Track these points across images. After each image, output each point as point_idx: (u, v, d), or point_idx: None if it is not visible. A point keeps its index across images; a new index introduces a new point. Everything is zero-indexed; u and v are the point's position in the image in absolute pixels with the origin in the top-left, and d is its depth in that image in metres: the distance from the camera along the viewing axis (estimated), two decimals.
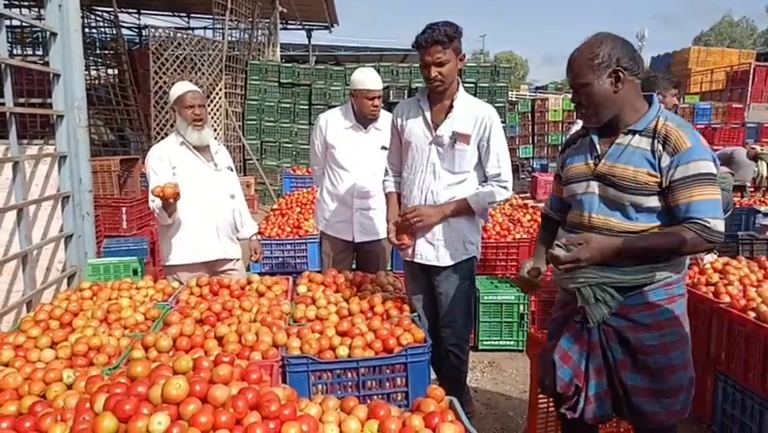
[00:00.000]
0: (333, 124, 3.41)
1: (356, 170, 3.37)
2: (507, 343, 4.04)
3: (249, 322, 2.33)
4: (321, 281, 2.91)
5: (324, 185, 3.50)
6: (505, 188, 2.67)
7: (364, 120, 3.36)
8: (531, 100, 16.16)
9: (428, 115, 2.64)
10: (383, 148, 3.22)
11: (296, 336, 2.19)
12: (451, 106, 2.62)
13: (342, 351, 2.14)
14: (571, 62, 1.79)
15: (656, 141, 1.71)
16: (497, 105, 10.55)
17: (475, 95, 10.66)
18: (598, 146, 1.84)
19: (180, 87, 3.12)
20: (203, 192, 3.05)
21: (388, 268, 3.95)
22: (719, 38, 43.77)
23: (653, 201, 1.73)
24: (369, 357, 2.11)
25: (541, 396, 2.49)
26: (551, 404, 2.44)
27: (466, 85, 10.24)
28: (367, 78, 3.25)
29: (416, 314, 2.57)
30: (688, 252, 1.73)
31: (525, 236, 4.80)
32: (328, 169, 3.48)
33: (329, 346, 2.16)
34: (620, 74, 1.72)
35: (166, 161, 3.04)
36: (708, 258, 3.37)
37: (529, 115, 15.07)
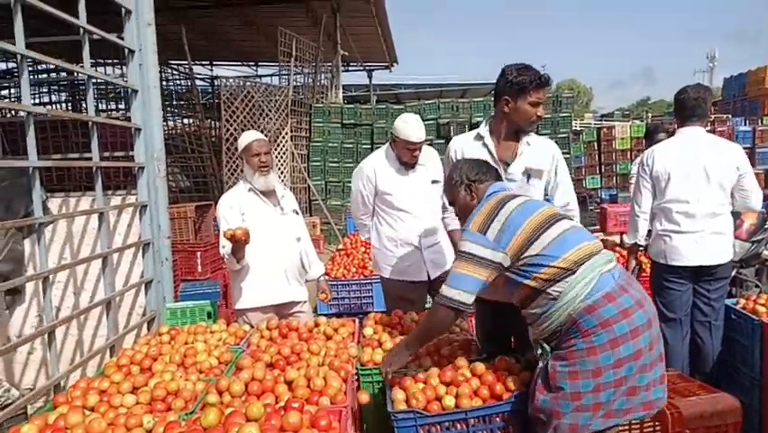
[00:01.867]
0: (382, 170, 3.41)
1: (416, 210, 3.38)
2: None
3: (317, 366, 2.34)
4: (387, 323, 2.91)
5: (383, 232, 3.47)
6: (573, 217, 2.70)
7: (406, 162, 3.38)
8: (596, 128, 15.76)
9: (495, 151, 2.67)
10: (433, 182, 3.36)
11: (399, 388, 2.20)
12: (520, 143, 2.67)
13: (449, 401, 2.12)
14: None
15: None
16: (560, 135, 10.37)
17: (538, 126, 10.57)
18: None
19: (247, 137, 3.26)
20: (271, 236, 3.14)
21: None
22: None
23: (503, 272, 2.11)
24: (478, 407, 2.09)
25: None
26: None
27: None
28: (410, 130, 3.24)
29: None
30: (434, 327, 2.20)
31: None
32: (383, 215, 3.46)
33: (435, 396, 2.15)
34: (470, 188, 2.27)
35: (235, 208, 3.17)
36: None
37: (595, 144, 14.67)
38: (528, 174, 2.65)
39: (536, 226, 1.99)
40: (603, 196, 13.89)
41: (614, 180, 14.21)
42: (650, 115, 27.88)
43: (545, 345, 2.07)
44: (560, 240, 1.98)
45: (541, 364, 2.07)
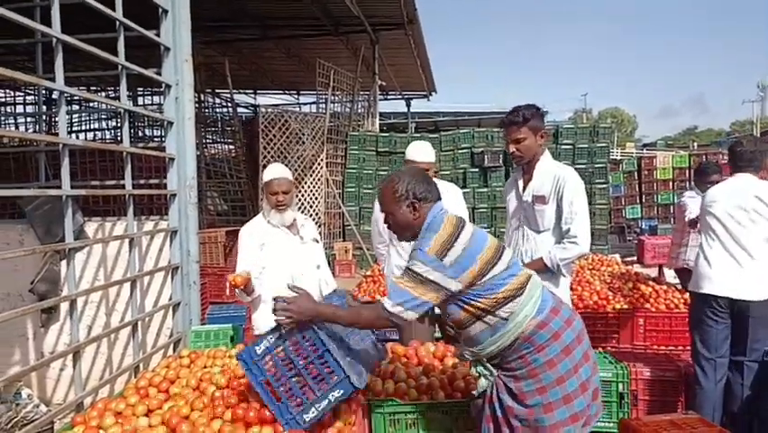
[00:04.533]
0: None
1: None
2: (606, 425, 3.73)
3: None
4: (403, 353, 2.92)
5: (392, 261, 3.51)
6: (574, 243, 2.86)
7: None
8: (637, 158, 15.45)
9: (520, 183, 3.07)
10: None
11: None
12: (533, 172, 3.00)
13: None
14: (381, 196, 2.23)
15: None
16: (597, 165, 10.23)
17: (573, 156, 10.51)
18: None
19: (270, 173, 3.34)
20: (290, 264, 3.22)
21: None
22: None
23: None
24: None
25: None
26: None
27: (564, 147, 10.26)
28: (414, 151, 3.39)
29: None
30: (364, 325, 2.17)
31: (626, 307, 4.51)
32: (395, 242, 3.49)
33: None
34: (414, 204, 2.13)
35: (255, 238, 3.27)
36: None
37: (635, 173, 14.38)
38: (533, 200, 2.95)
39: (490, 257, 2.02)
40: (643, 226, 13.57)
41: (655, 211, 13.86)
42: (695, 144, 27.16)
43: (488, 365, 2.11)
44: (506, 270, 2.04)
45: (483, 385, 2.11)
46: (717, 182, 3.68)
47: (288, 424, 2.03)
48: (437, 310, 3.30)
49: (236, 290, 3.17)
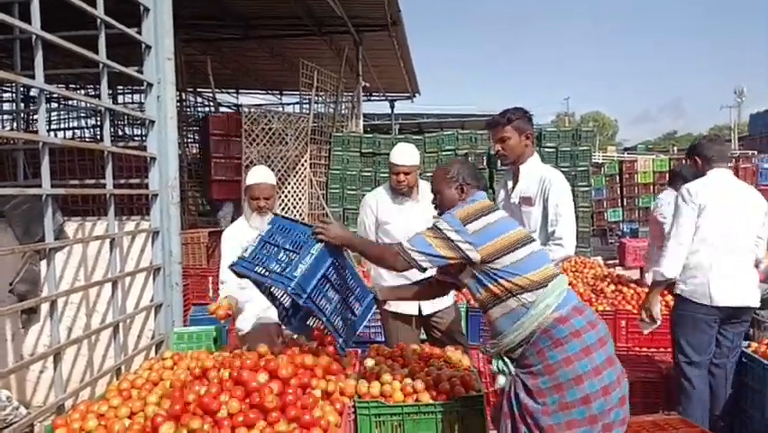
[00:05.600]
0: (382, 200, 3.51)
1: None
2: None
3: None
4: (389, 355, 2.91)
5: None
6: (559, 245, 2.86)
7: (407, 192, 3.43)
8: (618, 162, 15.66)
9: (510, 184, 3.11)
10: (435, 218, 3.39)
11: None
12: (520, 173, 3.03)
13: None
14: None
15: None
16: (579, 168, 10.32)
17: (556, 159, 10.62)
18: None
19: (252, 177, 3.34)
20: None
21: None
22: None
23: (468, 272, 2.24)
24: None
25: None
26: None
27: (547, 150, 10.33)
28: (397, 154, 3.39)
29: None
30: (387, 263, 2.31)
31: (608, 309, 4.56)
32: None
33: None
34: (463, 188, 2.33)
35: (237, 242, 3.24)
36: None
37: (617, 177, 14.57)
38: (520, 202, 3.00)
39: (514, 241, 2.13)
40: (624, 229, 13.75)
41: (636, 214, 14.07)
42: (676, 148, 27.59)
43: (507, 360, 2.15)
44: (530, 258, 2.13)
45: (502, 383, 2.15)
46: None
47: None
48: (425, 311, 3.38)
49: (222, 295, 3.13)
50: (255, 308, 3.23)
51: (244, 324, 3.25)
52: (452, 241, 2.11)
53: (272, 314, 3.22)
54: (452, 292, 3.55)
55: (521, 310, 2.07)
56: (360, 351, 3.04)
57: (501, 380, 2.16)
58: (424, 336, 3.62)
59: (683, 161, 13.99)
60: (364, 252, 2.45)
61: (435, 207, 2.45)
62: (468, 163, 2.51)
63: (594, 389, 1.97)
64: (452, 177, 2.36)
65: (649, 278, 4.49)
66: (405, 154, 3.37)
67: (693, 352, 3.19)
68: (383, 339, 4.75)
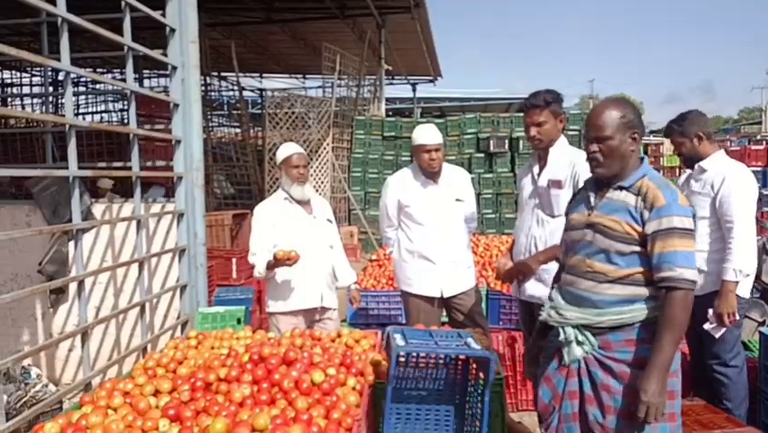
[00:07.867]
0: (406, 183, 3.49)
1: (435, 225, 3.40)
2: None
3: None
4: None
5: (402, 244, 3.52)
6: None
7: (431, 174, 3.42)
8: (644, 144, 15.34)
9: (536, 169, 2.99)
10: (457, 200, 3.45)
11: None
12: (548, 157, 2.93)
13: None
14: (598, 116, 1.99)
15: (638, 197, 1.93)
16: None
17: (580, 142, 10.42)
18: (593, 199, 2.06)
19: (287, 149, 3.39)
20: (303, 243, 3.22)
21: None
22: None
23: (634, 248, 1.92)
24: None
25: None
26: None
27: (571, 132, 10.17)
28: (422, 134, 3.37)
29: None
30: (683, 309, 1.82)
31: None
32: (404, 227, 3.52)
33: None
34: (636, 136, 1.97)
35: (267, 217, 3.30)
36: None
37: None
38: (549, 184, 2.88)
39: None
40: None
41: None
42: None
43: (588, 335, 1.96)
44: None
45: (577, 355, 1.97)
46: None
47: None
48: (447, 292, 3.36)
49: (257, 263, 3.23)
50: (286, 290, 3.28)
51: (274, 304, 3.31)
52: (692, 231, 1.88)
53: (302, 300, 3.29)
54: (474, 274, 3.55)
55: (644, 300, 1.91)
56: (379, 333, 3.06)
57: (577, 351, 1.97)
58: (445, 319, 3.62)
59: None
60: (677, 340, 1.88)
61: (591, 161, 2.02)
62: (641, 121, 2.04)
63: (676, 387, 1.94)
64: (629, 121, 1.95)
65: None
66: (431, 133, 3.36)
67: (728, 344, 3.02)
68: (404, 320, 4.78)
